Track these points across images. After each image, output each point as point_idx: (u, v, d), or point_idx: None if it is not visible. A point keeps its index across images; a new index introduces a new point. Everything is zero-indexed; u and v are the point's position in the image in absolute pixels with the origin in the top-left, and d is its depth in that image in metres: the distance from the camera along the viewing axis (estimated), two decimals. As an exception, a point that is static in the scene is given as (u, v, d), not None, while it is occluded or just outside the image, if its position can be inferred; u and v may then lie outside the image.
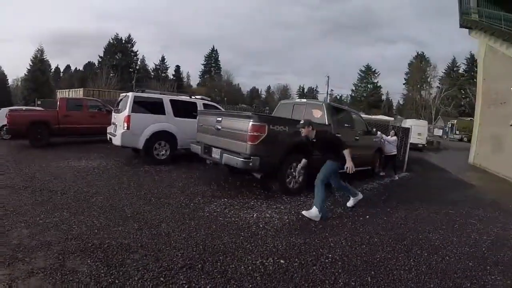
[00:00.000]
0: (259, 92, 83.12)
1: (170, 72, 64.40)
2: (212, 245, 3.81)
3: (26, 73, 38.57)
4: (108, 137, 9.11)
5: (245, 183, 7.05)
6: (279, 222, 4.70)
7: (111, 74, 42.71)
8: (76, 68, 65.36)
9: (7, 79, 48.73)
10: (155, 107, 8.41)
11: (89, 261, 3.23)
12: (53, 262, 3.20)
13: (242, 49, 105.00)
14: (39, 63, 39.14)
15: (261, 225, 4.50)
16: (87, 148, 11.11)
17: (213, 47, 71.04)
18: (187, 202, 5.47)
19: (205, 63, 70.54)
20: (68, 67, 68.86)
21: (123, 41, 55.37)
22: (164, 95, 9.07)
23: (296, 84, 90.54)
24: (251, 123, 5.46)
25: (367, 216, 5.35)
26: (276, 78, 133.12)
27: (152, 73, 60.01)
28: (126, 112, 8.09)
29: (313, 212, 4.80)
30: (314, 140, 4.99)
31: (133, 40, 56.93)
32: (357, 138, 8.06)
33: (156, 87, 35.94)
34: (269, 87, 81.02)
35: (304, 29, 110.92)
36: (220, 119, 6.47)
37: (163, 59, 63.50)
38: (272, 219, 4.79)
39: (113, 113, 9.51)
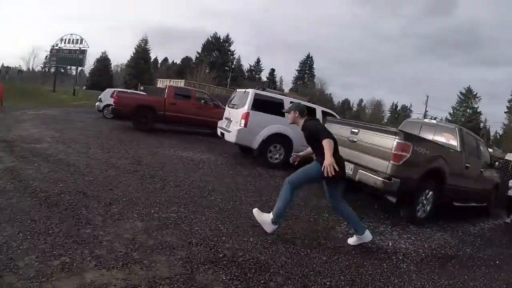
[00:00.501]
0: (351, 105, 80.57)
1: (264, 75, 66.53)
2: (358, 274, 3.39)
3: (129, 60, 43.20)
4: (218, 132, 9.02)
5: (365, 203, 6.44)
6: (416, 255, 4.33)
7: (207, 70, 45.17)
8: (173, 61, 70.81)
9: (110, 64, 54.82)
10: (274, 108, 7.95)
11: (223, 277, 2.79)
12: (179, 271, 2.73)
13: (335, 58, 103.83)
14: (142, 51, 43.42)
15: (400, 257, 4.13)
16: (190, 139, 11.24)
17: (309, 54, 71.36)
18: (316, 217, 4.95)
19: (299, 69, 71.12)
20: (165, 59, 75.16)
21: (221, 40, 58.52)
22: (284, 97, 8.81)
23: (389, 100, 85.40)
24: (397, 140, 5.15)
25: (497, 261, 4.88)
26: (368, 92, 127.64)
27: (246, 74, 62.42)
28: (245, 109, 7.91)
29: (266, 219, 3.79)
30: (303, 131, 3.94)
31: (231, 40, 60.07)
32: (482, 170, 7.40)
33: (249, 87, 36.96)
34: (361, 100, 78.33)
35: (401, 42, 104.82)
36: (356, 130, 6.00)
37: (258, 60, 65.94)
38: (408, 250, 4.44)
39: (227, 108, 9.37)
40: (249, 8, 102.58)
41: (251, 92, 8.11)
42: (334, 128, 6.48)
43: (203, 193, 5.07)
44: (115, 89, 17.60)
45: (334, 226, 4.70)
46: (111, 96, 15.48)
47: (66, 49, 34.33)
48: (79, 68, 36.30)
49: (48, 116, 14.02)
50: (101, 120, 14.59)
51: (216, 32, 58.48)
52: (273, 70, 67.33)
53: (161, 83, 34.24)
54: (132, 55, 44.50)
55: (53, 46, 35.22)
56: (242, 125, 7.82)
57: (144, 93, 17.25)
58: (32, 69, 57.83)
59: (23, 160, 5.60)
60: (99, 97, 16.62)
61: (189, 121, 12.28)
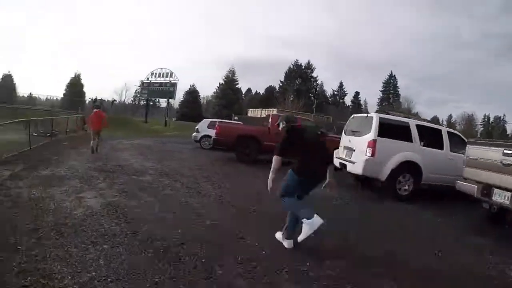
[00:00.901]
0: (440, 122, 74.79)
1: (348, 98, 65.72)
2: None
3: (216, 91, 46.00)
4: (337, 163, 8.31)
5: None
6: None
7: (291, 98, 46.25)
8: (256, 91, 73.10)
9: (199, 95, 59.09)
10: (401, 133, 7.69)
11: None
12: None
13: (417, 74, 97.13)
14: (230, 82, 46.04)
15: None
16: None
17: (391, 73, 68.48)
18: (492, 267, 4.14)
19: (382, 89, 68.60)
20: (249, 89, 77.69)
21: (303, 67, 59.20)
22: (410, 119, 8.40)
23: (480, 112, 77.25)
24: None
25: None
26: (456, 106, 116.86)
27: (330, 99, 62.06)
28: (370, 136, 7.50)
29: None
30: None
31: (313, 66, 60.42)
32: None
33: (334, 113, 37.46)
34: (450, 116, 72.46)
35: (482, 46, 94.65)
36: (510, 152, 5.25)
37: (341, 85, 65.14)
38: None
39: (344, 136, 9.03)
40: (325, 34, 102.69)
41: (375, 116, 7.77)
42: (480, 152, 5.96)
43: (349, 240, 4.47)
44: (213, 119, 18.46)
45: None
46: (209, 127, 16.40)
47: (157, 83, 37.71)
48: (170, 100, 39.33)
49: (144, 146, 15.02)
50: (199, 151, 15.27)
51: (297, 60, 59.73)
52: (357, 93, 66.17)
53: (252, 113, 35.56)
54: (220, 86, 47.39)
55: (144, 80, 38.90)
56: (369, 154, 7.40)
57: (241, 123, 17.91)
58: (124, 101, 64.13)
59: (126, 194, 5.41)
60: (196, 127, 17.48)
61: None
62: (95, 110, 12.98)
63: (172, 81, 36.89)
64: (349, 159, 8.14)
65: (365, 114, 8.50)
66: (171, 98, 38.24)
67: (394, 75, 67.67)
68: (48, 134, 16.66)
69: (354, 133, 8.44)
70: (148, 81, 38.47)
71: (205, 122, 17.56)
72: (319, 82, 61.19)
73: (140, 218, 4.24)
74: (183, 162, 10.71)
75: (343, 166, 8.24)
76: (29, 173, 6.96)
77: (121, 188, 5.87)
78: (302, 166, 3.75)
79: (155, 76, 37.99)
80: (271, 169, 3.74)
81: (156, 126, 35.36)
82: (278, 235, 3.94)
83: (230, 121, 19.91)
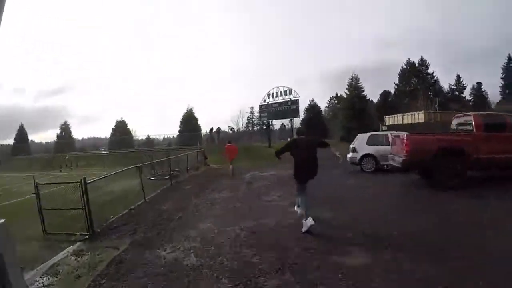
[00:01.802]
0: None
1: (466, 92, 57.64)
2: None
3: (332, 102, 42.96)
4: None
5: None
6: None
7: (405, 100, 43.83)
8: (369, 99, 68.84)
9: (321, 110, 58.14)
10: None
11: None
12: None
13: None
14: (354, 90, 42.65)
15: None
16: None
17: (509, 55, 56.25)
18: None
19: (503, 76, 57.06)
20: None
21: (417, 65, 55.08)
22: None
23: None
24: None
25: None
26: None
27: (448, 95, 54.94)
28: None
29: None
30: None
31: (427, 62, 55.34)
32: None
33: (454, 108, 32.14)
34: None
35: None
36: None
37: (458, 78, 57.37)
38: None
39: None
40: (428, 27, 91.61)
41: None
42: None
43: None
44: (372, 133, 14.87)
45: None
46: (368, 143, 13.79)
47: (276, 103, 35.77)
48: (294, 120, 37.04)
49: (284, 178, 12.39)
50: (367, 177, 12.33)
51: (409, 58, 55.79)
52: (479, 84, 56.73)
53: (390, 120, 31.53)
54: (335, 96, 44.58)
55: (261, 102, 37.38)
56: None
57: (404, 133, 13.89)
58: (238, 129, 64.96)
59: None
60: (352, 146, 14.41)
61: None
62: (228, 144, 17.26)
63: (293, 99, 34.65)
64: None
65: None
66: (294, 117, 35.86)
67: (513, 57, 56.13)
68: (167, 177, 15.11)
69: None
70: (266, 103, 36.84)
71: (362, 138, 14.15)
72: (435, 78, 55.87)
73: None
74: (370, 203, 8.09)
75: None
76: (136, 261, 4.99)
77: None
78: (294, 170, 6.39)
79: (272, 97, 36.28)
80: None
81: (281, 150, 32.96)
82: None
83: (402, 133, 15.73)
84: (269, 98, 36.64)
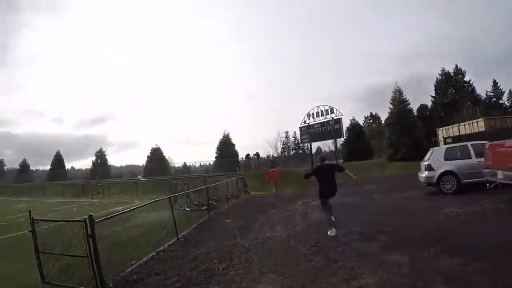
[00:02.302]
0: None
1: (505, 97, 54.95)
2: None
3: (389, 117, 40.32)
4: None
5: None
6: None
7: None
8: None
9: (362, 128, 55.72)
10: None
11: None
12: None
13: None
14: (399, 103, 40.16)
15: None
16: None
17: None
18: None
19: None
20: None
21: (452, 74, 53.00)
22: None
23: None
24: None
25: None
26: None
27: (486, 102, 52.46)
28: None
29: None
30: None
31: (463, 70, 53.00)
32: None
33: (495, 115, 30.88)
34: None
35: None
36: None
37: (494, 83, 54.72)
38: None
39: None
40: (451, 32, 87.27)
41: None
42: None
43: None
44: (450, 145, 12.25)
45: None
46: (447, 158, 11.38)
47: (317, 123, 33.45)
48: (338, 140, 34.37)
49: (344, 206, 10.42)
50: (459, 201, 9.41)
51: (443, 68, 53.76)
52: None
53: (444, 132, 29.07)
54: (391, 111, 41.72)
55: (301, 123, 35.16)
56: None
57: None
58: (278, 153, 63.34)
59: None
60: (426, 164, 11.77)
61: None
62: (271, 169, 18.87)
63: (335, 118, 32.21)
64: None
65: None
66: (338, 137, 33.10)
67: None
68: (204, 207, 13.10)
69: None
70: (306, 124, 34.57)
71: (438, 152, 11.64)
72: (473, 86, 53.54)
73: None
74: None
75: None
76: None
77: None
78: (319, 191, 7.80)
79: (313, 117, 33.97)
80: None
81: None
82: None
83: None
84: (309, 119, 34.31)
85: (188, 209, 14.19)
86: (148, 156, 57.01)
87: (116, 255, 6.29)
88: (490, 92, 55.41)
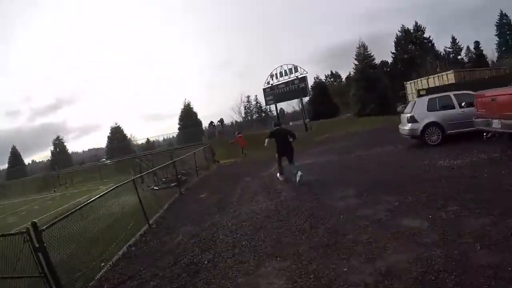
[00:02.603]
0: None
1: (463, 53, 57.53)
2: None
3: (354, 73, 40.16)
4: None
5: None
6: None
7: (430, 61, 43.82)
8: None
9: (327, 86, 54.83)
10: None
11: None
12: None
13: None
14: (364, 60, 39.82)
15: None
16: None
17: (501, 12, 56.67)
18: None
19: (497, 32, 56.12)
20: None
21: (412, 31, 54.36)
22: None
23: None
24: None
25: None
26: None
27: (445, 57, 53.68)
28: None
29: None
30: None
31: (422, 27, 54.53)
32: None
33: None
34: None
35: None
36: None
37: (453, 40, 56.60)
38: None
39: None
40: None
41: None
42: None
43: None
44: (433, 95, 11.53)
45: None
46: (430, 109, 10.77)
47: (282, 83, 32.28)
48: (304, 99, 33.49)
49: (343, 169, 9.94)
50: (443, 152, 8.88)
51: (403, 25, 54.96)
52: (477, 43, 56.02)
53: (412, 86, 29.30)
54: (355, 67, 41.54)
55: (264, 85, 33.89)
56: None
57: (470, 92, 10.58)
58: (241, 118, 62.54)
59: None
60: (409, 116, 10.95)
61: None
62: (238, 135, 21.16)
63: (300, 76, 31.12)
64: None
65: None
66: (304, 96, 32.20)
67: (505, 14, 55.69)
68: (174, 184, 11.99)
69: None
70: (270, 85, 33.31)
71: (420, 103, 10.94)
72: (432, 42, 55.08)
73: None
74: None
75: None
76: None
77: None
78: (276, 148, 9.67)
79: (276, 77, 32.66)
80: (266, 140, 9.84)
81: (296, 133, 29.47)
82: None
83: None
84: (272, 79, 33.03)
85: (157, 187, 13.02)
86: (108, 137, 54.49)
87: (82, 260, 5.14)
88: (449, 48, 57.07)
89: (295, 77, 31.33)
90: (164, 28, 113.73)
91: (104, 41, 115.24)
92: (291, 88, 31.68)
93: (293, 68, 31.52)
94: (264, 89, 34.19)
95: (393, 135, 12.51)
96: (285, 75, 32.13)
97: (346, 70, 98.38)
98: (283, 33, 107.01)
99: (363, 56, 40.32)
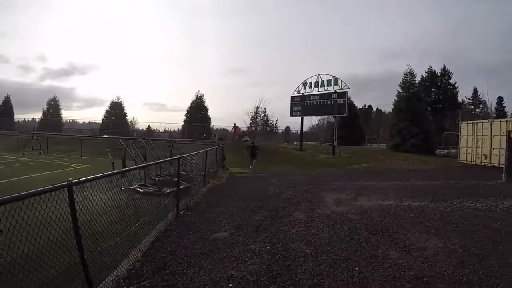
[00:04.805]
0: None
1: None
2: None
3: (397, 102, 36.69)
4: None
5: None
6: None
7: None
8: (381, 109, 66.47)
9: (357, 111, 52.74)
10: None
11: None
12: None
13: None
14: (409, 88, 35.57)
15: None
16: None
17: None
18: None
19: None
20: (370, 106, 72.83)
21: (438, 74, 52.28)
22: None
23: None
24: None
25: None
26: None
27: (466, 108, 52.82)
28: None
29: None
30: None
31: (450, 72, 52.56)
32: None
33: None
34: None
35: None
36: None
37: (475, 91, 55.08)
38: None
39: None
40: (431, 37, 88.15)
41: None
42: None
43: None
44: None
45: None
46: None
47: (316, 94, 27.84)
48: (337, 117, 28.57)
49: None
50: None
51: (430, 67, 53.16)
52: (500, 98, 54.58)
53: (469, 127, 24.51)
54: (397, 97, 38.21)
55: (294, 93, 29.36)
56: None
57: None
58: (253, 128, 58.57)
59: None
60: None
61: None
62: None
63: (339, 90, 26.64)
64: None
65: None
66: (340, 114, 27.14)
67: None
68: (169, 190, 7.35)
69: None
70: (300, 94, 28.87)
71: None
72: (457, 89, 53.09)
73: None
74: None
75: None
76: None
77: None
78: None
79: (310, 87, 28.20)
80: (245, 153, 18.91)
81: (321, 155, 25.84)
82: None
83: None
84: (304, 88, 28.54)
85: (141, 189, 8.40)
86: (106, 111, 48.94)
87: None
88: (469, 99, 55.41)
89: (333, 91, 26.89)
90: (192, 26, 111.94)
91: (130, 24, 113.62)
92: (326, 102, 27.10)
93: (332, 80, 26.98)
94: (292, 97, 29.42)
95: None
96: (321, 86, 27.75)
97: (361, 101, 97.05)
98: (301, 51, 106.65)
99: (409, 85, 35.64)
